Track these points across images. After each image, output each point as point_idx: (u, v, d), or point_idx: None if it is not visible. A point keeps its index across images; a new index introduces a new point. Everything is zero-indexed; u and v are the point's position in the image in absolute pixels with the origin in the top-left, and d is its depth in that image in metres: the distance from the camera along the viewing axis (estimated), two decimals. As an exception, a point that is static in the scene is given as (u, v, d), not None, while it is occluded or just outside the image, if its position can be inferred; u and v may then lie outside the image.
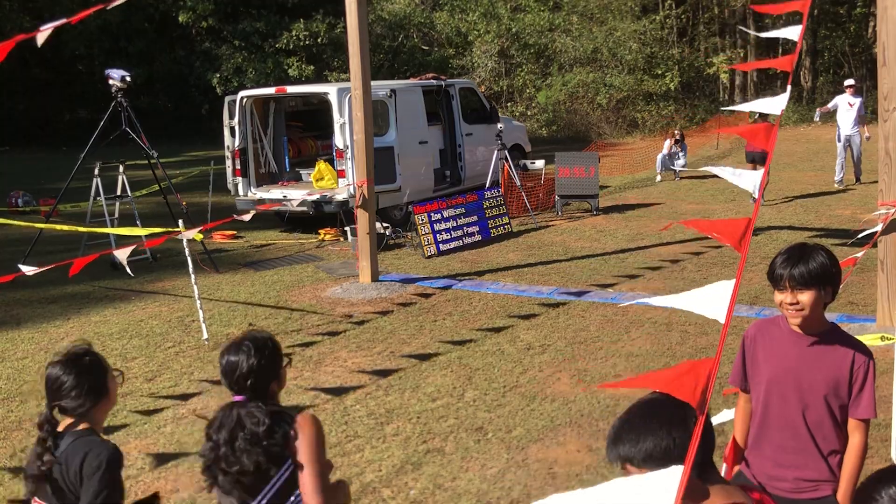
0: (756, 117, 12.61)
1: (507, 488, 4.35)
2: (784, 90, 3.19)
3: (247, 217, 8.24)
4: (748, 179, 2.61)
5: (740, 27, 26.97)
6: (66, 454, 2.56)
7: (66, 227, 8.61)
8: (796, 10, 3.06)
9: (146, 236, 8.06)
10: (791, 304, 2.67)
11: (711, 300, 2.26)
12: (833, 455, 2.73)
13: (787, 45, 32.12)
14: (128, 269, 9.44)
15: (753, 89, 32.76)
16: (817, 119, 15.88)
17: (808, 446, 2.72)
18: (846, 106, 14.02)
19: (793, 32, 3.11)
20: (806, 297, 2.64)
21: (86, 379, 2.63)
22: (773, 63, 3.83)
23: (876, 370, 2.74)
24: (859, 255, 5.61)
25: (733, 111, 27.66)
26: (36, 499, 2.67)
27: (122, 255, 6.93)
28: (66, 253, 9.85)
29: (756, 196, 2.66)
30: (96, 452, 2.54)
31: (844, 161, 14.09)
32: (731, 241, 2.42)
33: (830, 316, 6.89)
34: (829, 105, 14.67)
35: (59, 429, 2.63)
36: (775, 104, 2.88)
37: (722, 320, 2.17)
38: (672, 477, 1.75)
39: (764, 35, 3.76)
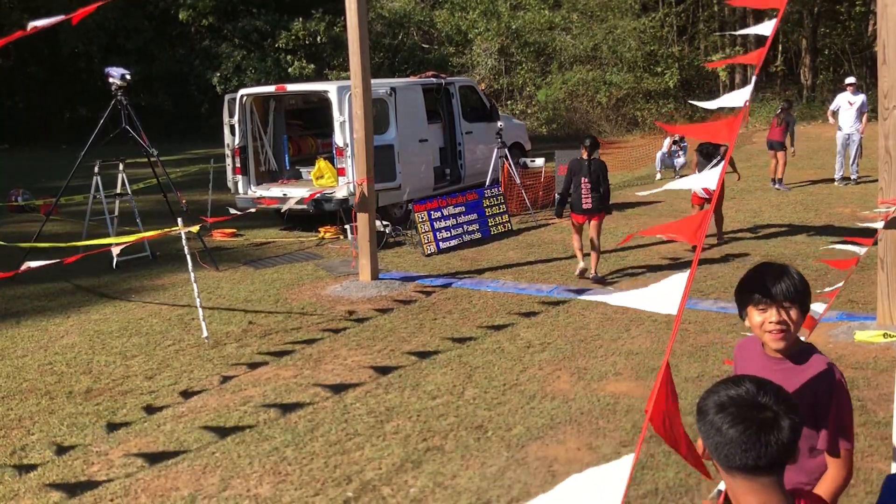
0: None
1: (506, 486, 4.35)
2: (751, 83, 3.24)
3: (237, 212, 8.30)
4: (709, 177, 2.62)
5: (724, 31, 27.07)
6: None
7: (61, 243, 8.61)
8: (773, 6, 3.06)
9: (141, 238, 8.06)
10: (778, 324, 2.51)
11: (666, 294, 2.24)
12: (800, 486, 2.57)
13: (787, 44, 32.13)
14: (114, 263, 9.49)
15: (753, 87, 32.69)
16: (832, 121, 15.32)
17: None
18: (846, 105, 14.07)
19: (766, 28, 3.12)
20: (793, 315, 2.52)
21: None
22: (743, 59, 3.91)
23: (842, 393, 2.55)
24: (861, 251, 5.60)
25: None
26: None
27: (116, 249, 7.17)
28: (64, 253, 9.84)
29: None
30: None
31: (844, 159, 14.12)
32: (687, 237, 2.42)
33: (830, 313, 6.90)
34: (832, 107, 14.64)
35: None
36: (740, 96, 2.89)
37: (674, 312, 2.15)
38: (620, 473, 1.77)
39: (738, 33, 3.82)
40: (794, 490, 1.89)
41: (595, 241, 8.52)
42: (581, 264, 8.61)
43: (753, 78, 3.27)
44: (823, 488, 2.54)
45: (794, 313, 2.52)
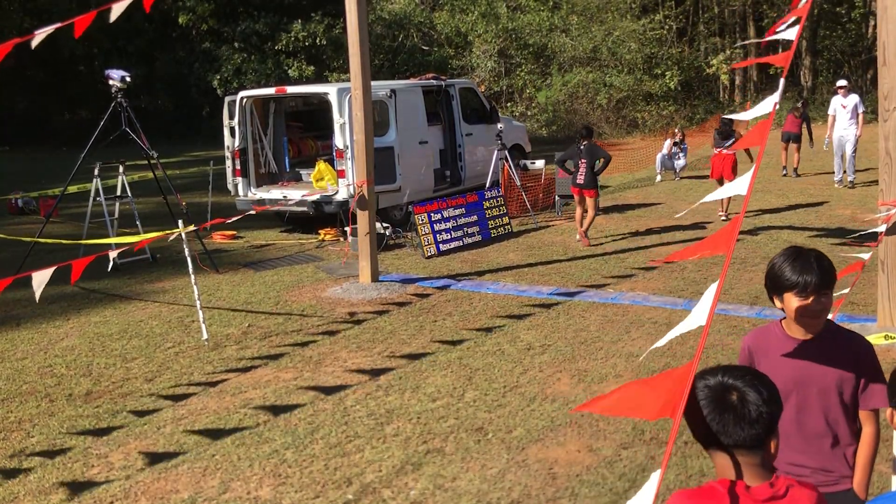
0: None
1: (507, 489, 4.34)
2: (780, 87, 3.29)
3: (237, 217, 8.29)
4: (736, 185, 2.73)
5: (742, 41, 27.17)
6: None
7: (63, 240, 8.61)
8: (796, 16, 3.12)
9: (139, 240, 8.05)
10: (818, 311, 2.63)
11: (702, 307, 2.31)
12: (849, 448, 2.74)
13: (786, 44, 32.20)
14: (116, 264, 9.48)
15: (753, 89, 32.78)
16: (826, 147, 15.67)
17: (828, 448, 2.72)
18: (839, 107, 14.09)
19: (790, 33, 3.16)
20: (828, 299, 2.64)
21: None
22: (770, 59, 3.91)
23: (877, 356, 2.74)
24: (865, 257, 5.60)
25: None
26: None
27: (114, 252, 7.22)
28: (65, 252, 9.85)
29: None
30: None
31: (841, 161, 14.11)
32: (723, 250, 2.51)
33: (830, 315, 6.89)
34: (830, 111, 14.63)
35: None
36: (768, 104, 2.96)
37: (703, 322, 2.20)
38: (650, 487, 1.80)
39: (764, 40, 3.88)
40: (779, 474, 2.01)
41: (589, 211, 10.51)
42: (579, 230, 10.57)
43: (782, 81, 3.30)
44: (865, 452, 2.70)
45: (829, 298, 2.65)
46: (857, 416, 2.72)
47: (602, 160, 10.42)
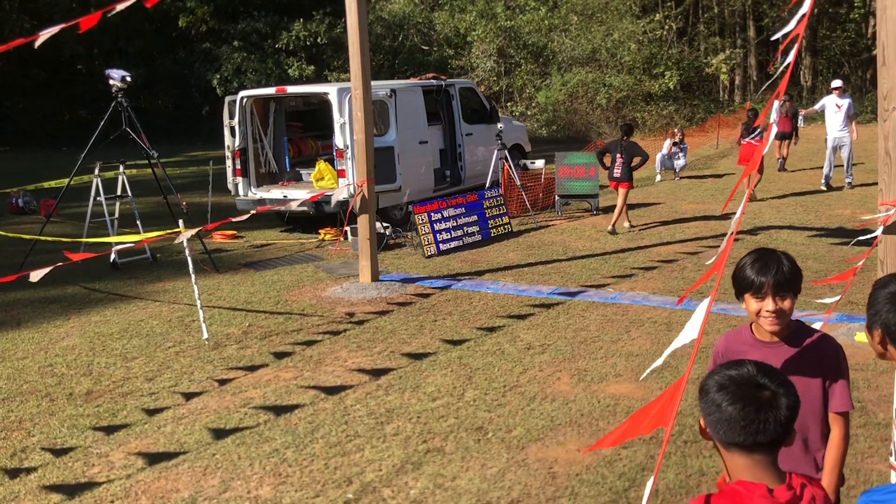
0: (751, 115, 13.84)
1: (507, 488, 4.35)
2: (779, 98, 3.41)
3: (244, 217, 8.29)
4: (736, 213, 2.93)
5: (741, 41, 27.24)
6: None
7: (63, 239, 8.61)
8: (796, 34, 3.17)
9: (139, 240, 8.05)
10: (773, 312, 2.61)
11: (695, 321, 2.39)
12: (819, 453, 2.73)
13: (787, 47, 32.18)
14: (116, 262, 9.47)
15: (753, 88, 32.81)
16: (801, 123, 17.15)
17: (799, 452, 2.70)
18: (833, 108, 13.88)
19: (788, 57, 3.25)
20: (788, 303, 2.62)
21: None
22: (777, 92, 3.98)
23: (846, 359, 2.71)
24: (859, 264, 5.63)
25: (733, 110, 27.72)
26: None
27: (116, 248, 7.20)
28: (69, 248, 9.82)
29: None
30: None
31: (832, 163, 14.00)
32: (716, 270, 2.59)
33: (831, 316, 6.92)
34: (816, 107, 14.89)
35: None
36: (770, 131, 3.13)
37: (694, 335, 2.27)
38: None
39: (768, 85, 4.06)
40: (789, 472, 1.97)
41: (619, 203, 11.12)
42: (619, 224, 11.25)
43: (776, 102, 3.41)
44: (833, 454, 2.67)
45: (788, 301, 2.63)
46: (826, 419, 2.69)
47: (639, 158, 11.14)
